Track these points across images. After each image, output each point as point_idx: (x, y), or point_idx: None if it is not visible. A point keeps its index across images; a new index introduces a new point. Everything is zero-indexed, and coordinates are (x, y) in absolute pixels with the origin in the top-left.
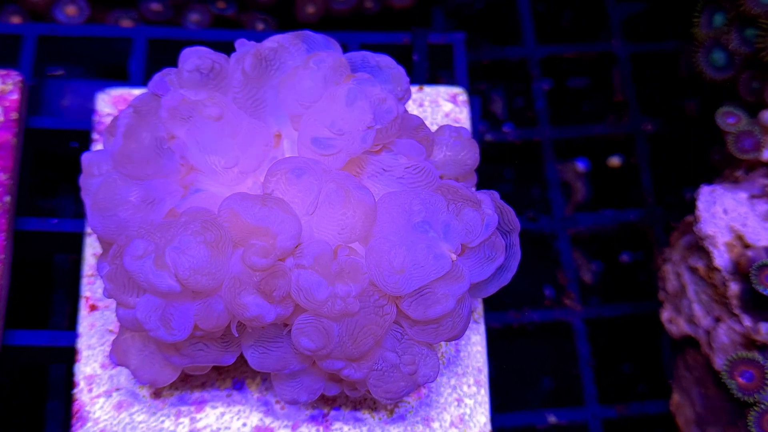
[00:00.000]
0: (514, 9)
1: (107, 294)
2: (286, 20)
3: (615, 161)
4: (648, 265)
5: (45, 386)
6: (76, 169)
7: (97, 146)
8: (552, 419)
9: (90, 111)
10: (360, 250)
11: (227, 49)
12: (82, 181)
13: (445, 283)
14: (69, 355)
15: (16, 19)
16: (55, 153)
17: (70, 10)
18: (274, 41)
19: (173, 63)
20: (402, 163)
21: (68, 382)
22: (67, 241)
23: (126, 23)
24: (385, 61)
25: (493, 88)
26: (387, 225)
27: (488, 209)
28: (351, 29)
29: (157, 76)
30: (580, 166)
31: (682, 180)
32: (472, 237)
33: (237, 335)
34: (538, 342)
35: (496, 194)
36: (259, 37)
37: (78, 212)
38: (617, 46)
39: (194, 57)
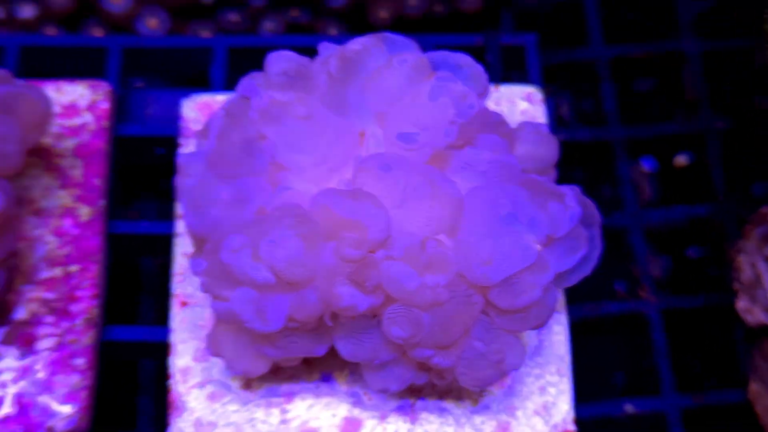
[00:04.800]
0: (581, 11)
1: (204, 289)
2: (358, 25)
3: (681, 160)
4: (717, 260)
5: (136, 382)
6: (157, 175)
7: (185, 149)
8: (629, 408)
9: (172, 118)
10: (446, 242)
11: (303, 53)
12: (178, 181)
13: (532, 273)
14: (160, 351)
15: (97, 32)
16: (137, 159)
17: (152, 22)
18: (357, 43)
19: (252, 70)
20: (485, 157)
21: (159, 378)
22: (156, 242)
23: (205, 34)
24: (464, 59)
25: (560, 90)
26: (473, 217)
27: (571, 202)
28: (421, 32)
29: (245, 80)
30: (646, 166)
31: (751, 177)
32: (557, 229)
33: (331, 324)
34: (611, 335)
35: (577, 189)
36: (333, 42)
37: (160, 215)
38: (687, 45)
39: (281, 60)
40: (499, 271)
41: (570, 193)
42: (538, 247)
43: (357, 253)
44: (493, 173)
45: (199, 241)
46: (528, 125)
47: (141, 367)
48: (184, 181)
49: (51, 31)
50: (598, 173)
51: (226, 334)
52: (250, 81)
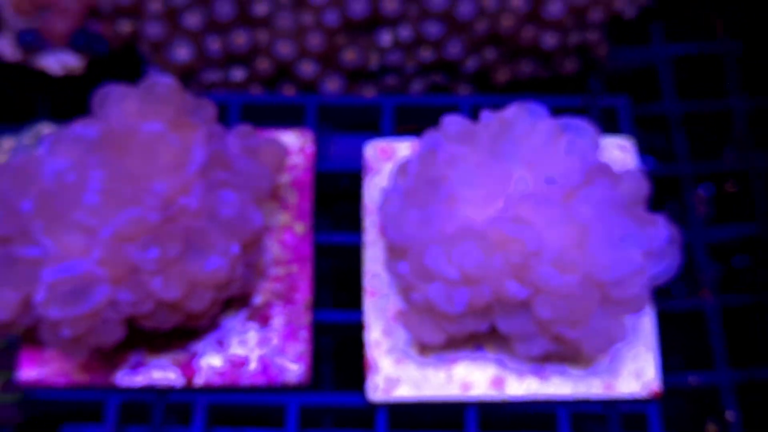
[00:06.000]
0: (654, 74)
1: (405, 283)
2: (483, 85)
3: (730, 188)
4: (758, 267)
5: (319, 354)
6: (332, 199)
7: (369, 181)
8: (692, 380)
9: (351, 157)
10: (576, 253)
11: (441, 110)
12: (382, 206)
13: (636, 275)
14: (352, 328)
15: (289, 90)
16: (327, 188)
17: (333, 84)
18: (510, 112)
19: (406, 121)
20: (599, 194)
21: (336, 350)
22: (348, 250)
23: (368, 92)
24: (584, 124)
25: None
26: (596, 236)
27: (662, 227)
28: (530, 89)
29: (427, 136)
30: (701, 192)
31: None
32: (653, 245)
33: (497, 308)
34: (675, 325)
35: (664, 216)
36: (462, 102)
37: (333, 229)
38: (736, 104)
39: (456, 124)
40: (615, 273)
41: (661, 220)
42: (640, 258)
43: (519, 260)
44: (605, 205)
45: (397, 249)
46: (628, 171)
47: (320, 342)
48: (387, 207)
49: (255, 89)
50: (664, 197)
51: (417, 316)
52: (432, 137)
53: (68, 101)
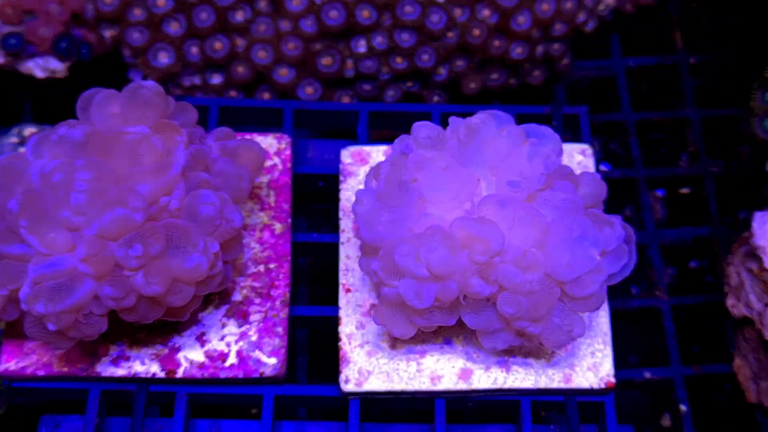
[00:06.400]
0: (614, 85)
1: (377, 279)
2: (454, 94)
3: (685, 190)
4: (712, 269)
5: (294, 346)
6: (309, 199)
7: (345, 184)
8: (647, 375)
9: (327, 160)
10: (537, 253)
11: (414, 117)
12: (355, 207)
13: (593, 274)
14: (328, 323)
15: (266, 95)
16: (304, 189)
17: (309, 90)
18: (477, 119)
19: (380, 126)
20: (560, 197)
21: (310, 343)
22: (324, 248)
23: (345, 99)
24: (547, 130)
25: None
26: (556, 237)
27: (618, 228)
28: (500, 99)
29: (399, 141)
30: (659, 193)
31: (738, 206)
32: (609, 245)
33: (464, 304)
34: (632, 322)
35: (620, 217)
36: (434, 109)
37: (310, 229)
38: (691, 113)
39: (426, 129)
40: (574, 272)
41: (617, 221)
42: (598, 257)
43: (483, 259)
44: (565, 207)
45: (369, 248)
46: (587, 174)
47: (296, 336)
48: (359, 207)
49: (233, 94)
50: (621, 199)
51: (388, 310)
52: (404, 142)
53: (52, 105)
